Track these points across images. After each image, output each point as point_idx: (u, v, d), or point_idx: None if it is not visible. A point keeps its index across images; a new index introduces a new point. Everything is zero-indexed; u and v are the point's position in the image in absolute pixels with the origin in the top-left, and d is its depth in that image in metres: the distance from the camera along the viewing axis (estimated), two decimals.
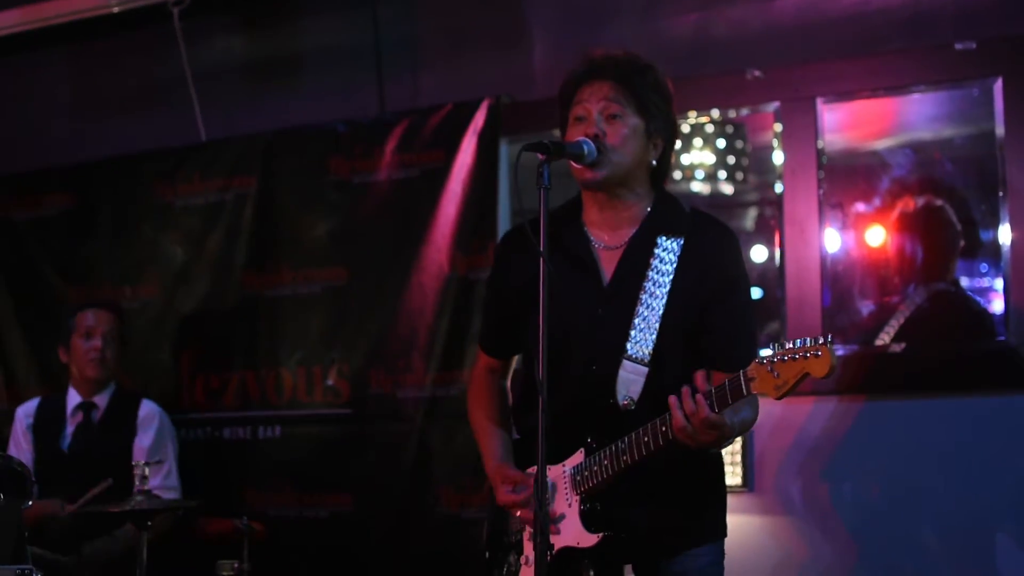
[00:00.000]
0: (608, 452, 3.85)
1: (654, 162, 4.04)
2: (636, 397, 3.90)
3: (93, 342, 6.35)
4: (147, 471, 5.43)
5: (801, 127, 5.87)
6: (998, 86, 5.58)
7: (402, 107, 6.83)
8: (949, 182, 6.35)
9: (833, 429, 5.67)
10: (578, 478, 3.93)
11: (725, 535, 4.11)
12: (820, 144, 5.86)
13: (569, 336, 3.96)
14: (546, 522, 3.59)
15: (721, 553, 4.07)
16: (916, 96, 6.06)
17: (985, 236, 6.21)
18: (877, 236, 6.33)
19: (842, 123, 6.22)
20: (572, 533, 3.91)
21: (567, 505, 3.95)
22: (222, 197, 7.09)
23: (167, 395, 6.81)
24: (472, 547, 5.78)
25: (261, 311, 6.91)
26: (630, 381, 3.90)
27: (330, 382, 6.67)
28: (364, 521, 6.50)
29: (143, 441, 6.30)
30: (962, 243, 6.22)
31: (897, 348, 5.84)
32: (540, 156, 3.69)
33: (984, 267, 6.34)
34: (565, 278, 3.95)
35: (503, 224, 6.45)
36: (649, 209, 4.06)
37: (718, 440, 3.69)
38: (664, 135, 3.97)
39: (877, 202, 6.17)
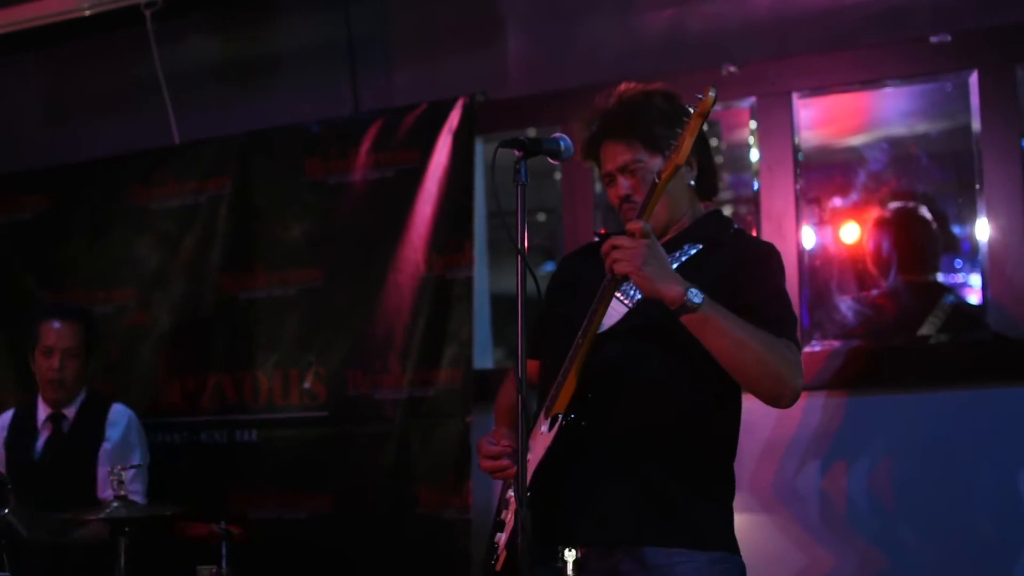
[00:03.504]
0: (569, 353, 3.82)
1: (692, 182, 4.04)
2: (613, 324, 3.88)
3: (51, 362, 6.22)
4: (124, 476, 5.37)
5: (777, 122, 5.86)
6: (974, 79, 5.57)
7: (377, 106, 6.80)
8: (924, 179, 6.30)
9: (815, 426, 5.65)
10: (548, 404, 3.88)
11: (733, 550, 3.95)
12: (796, 139, 5.85)
13: (564, 318, 3.97)
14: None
15: (721, 564, 3.88)
16: (892, 90, 6.03)
17: (961, 232, 6.18)
18: (853, 233, 6.28)
19: (818, 119, 6.18)
20: (539, 449, 3.83)
21: (539, 434, 3.88)
22: (197, 199, 7.05)
23: (144, 399, 6.78)
24: (452, 547, 6.04)
25: (237, 313, 6.88)
26: (608, 316, 3.85)
27: (307, 384, 6.64)
28: (344, 523, 6.47)
29: (107, 444, 6.20)
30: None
31: (879, 344, 5.81)
32: (517, 153, 3.67)
33: (959, 263, 6.29)
34: (587, 281, 3.94)
35: (479, 223, 6.44)
36: (689, 224, 4.07)
37: (659, 269, 3.64)
38: (692, 153, 3.83)
39: (855, 196, 6.13)
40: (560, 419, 3.77)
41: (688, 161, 3.84)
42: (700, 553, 3.83)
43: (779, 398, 3.79)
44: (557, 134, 3.79)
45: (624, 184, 4.00)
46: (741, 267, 3.92)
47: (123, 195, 7.25)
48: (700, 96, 3.59)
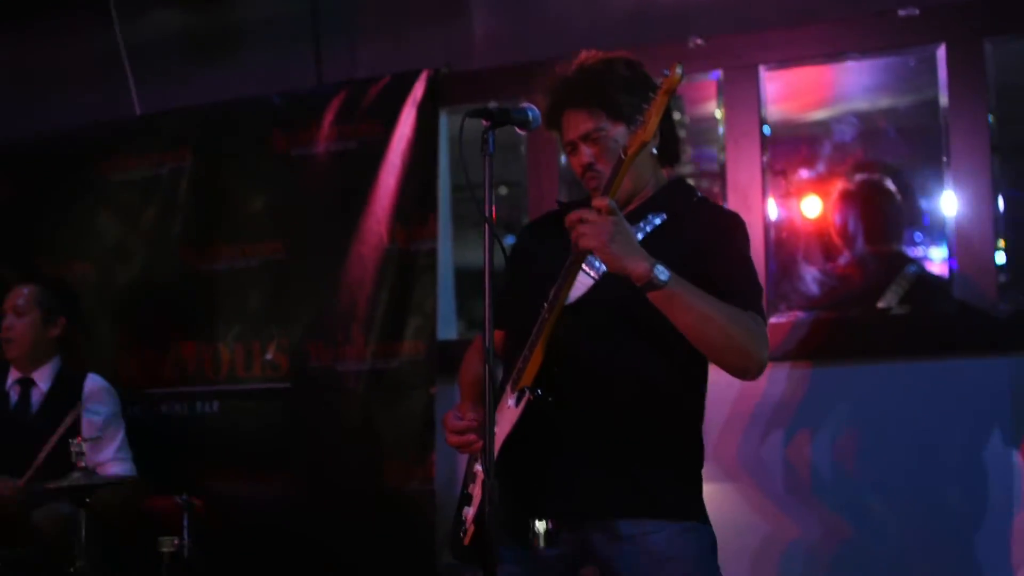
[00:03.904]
0: (535, 327, 3.78)
1: (655, 150, 3.99)
2: (579, 296, 3.84)
3: (6, 321, 6.25)
4: (85, 447, 5.33)
5: (744, 95, 5.85)
6: (941, 52, 5.58)
7: (340, 79, 6.76)
8: (891, 152, 6.33)
9: (780, 396, 5.66)
10: (514, 377, 3.82)
11: (702, 519, 3.89)
12: (763, 112, 5.84)
13: (530, 290, 3.91)
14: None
15: (692, 534, 3.83)
16: (859, 64, 6.06)
17: (927, 205, 6.21)
18: (816, 206, 6.35)
19: (785, 93, 6.20)
20: (505, 424, 3.77)
21: (506, 408, 3.82)
22: (158, 172, 7.03)
23: (104, 371, 6.60)
24: (417, 519, 6.02)
25: (198, 286, 6.86)
26: (574, 288, 3.81)
27: (269, 356, 6.63)
28: (307, 495, 6.46)
29: (94, 417, 6.15)
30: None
31: (844, 315, 5.84)
32: (484, 122, 3.62)
33: (918, 236, 6.38)
34: (553, 248, 3.88)
35: (443, 195, 6.43)
36: (652, 193, 4.02)
37: (625, 246, 3.58)
38: (642, 112, 3.74)
39: (821, 168, 6.15)
40: (527, 393, 3.73)
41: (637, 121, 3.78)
42: (670, 523, 3.79)
43: (745, 371, 3.77)
44: (525, 104, 3.76)
45: (586, 152, 3.93)
46: (705, 238, 3.87)
47: (85, 168, 7.21)
48: (666, 72, 3.53)
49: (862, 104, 6.33)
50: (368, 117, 6.53)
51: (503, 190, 7.27)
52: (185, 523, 5.61)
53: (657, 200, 3.99)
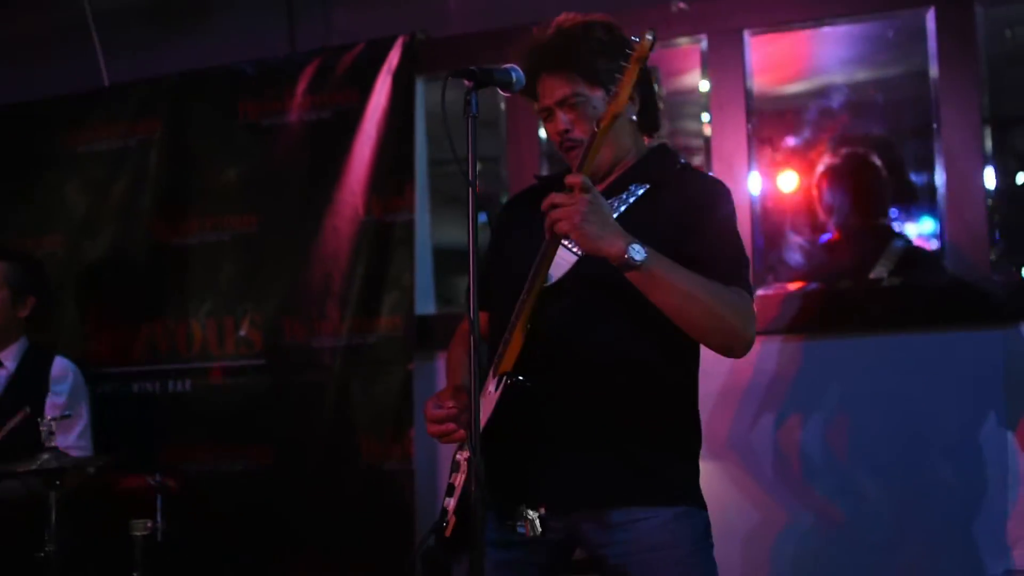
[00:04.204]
0: (515, 309, 3.68)
1: (634, 117, 3.89)
2: (561, 275, 3.73)
3: None
4: (54, 427, 5.17)
5: (728, 61, 5.73)
6: (930, 15, 5.46)
7: (313, 46, 6.64)
8: (878, 123, 6.23)
9: (772, 371, 5.58)
10: (496, 362, 3.73)
11: (697, 504, 3.79)
12: (748, 79, 5.73)
13: (510, 268, 3.83)
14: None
15: (685, 519, 3.73)
16: (846, 32, 5.98)
17: (916, 179, 6.15)
18: (798, 181, 6.32)
19: (770, 64, 6.10)
20: (486, 411, 3.68)
21: (487, 394, 3.73)
22: (126, 143, 6.91)
23: (73, 349, 6.54)
24: (395, 499, 5.95)
25: (169, 261, 6.75)
26: (556, 266, 3.71)
27: (242, 332, 6.53)
28: (283, 474, 6.38)
29: (56, 399, 6.02)
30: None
31: (836, 286, 5.75)
32: (467, 83, 3.52)
33: (894, 212, 6.35)
34: (529, 228, 3.79)
35: (420, 165, 6.32)
36: (633, 162, 3.92)
37: (598, 226, 3.48)
38: (633, 88, 3.66)
39: (807, 135, 6.05)
40: (504, 379, 3.64)
41: (631, 96, 3.66)
42: (663, 508, 3.70)
43: (730, 349, 3.68)
44: (509, 64, 3.65)
45: (563, 119, 3.84)
46: (688, 208, 3.77)
47: (51, 139, 7.10)
48: (636, 39, 3.43)
49: (848, 75, 6.21)
50: (342, 85, 6.42)
51: (477, 166, 7.09)
52: (158, 505, 5.53)
53: (639, 169, 3.89)
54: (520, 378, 3.63)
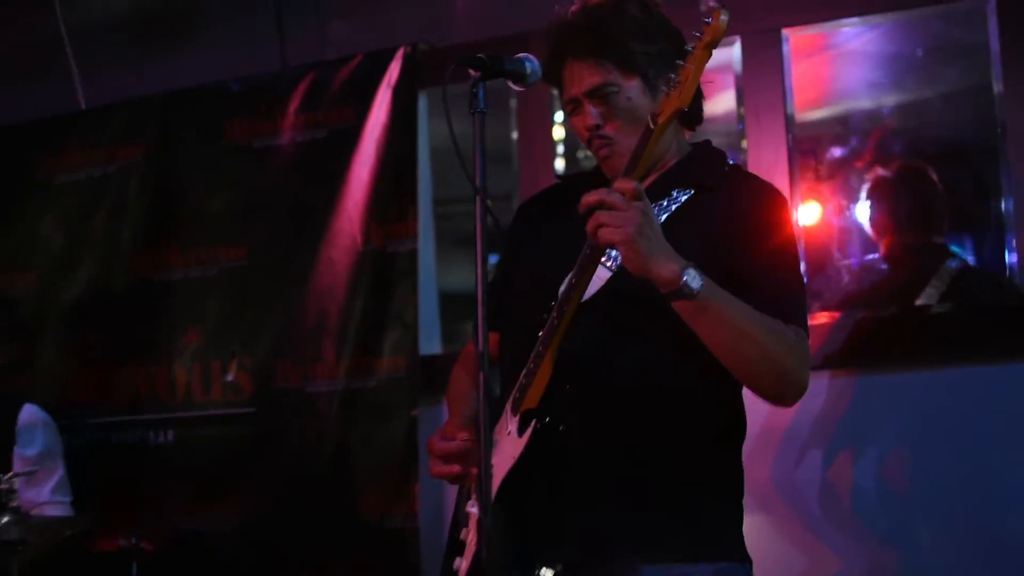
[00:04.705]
0: (541, 333, 3.28)
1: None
2: (593, 293, 3.30)
3: None
4: (15, 484, 4.81)
5: (765, 62, 5.32)
6: (991, 6, 5.02)
7: (307, 60, 6.34)
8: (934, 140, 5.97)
9: (815, 410, 5.16)
10: (516, 396, 3.32)
11: (740, 558, 3.39)
12: (787, 80, 5.31)
13: (530, 283, 3.49)
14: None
15: None
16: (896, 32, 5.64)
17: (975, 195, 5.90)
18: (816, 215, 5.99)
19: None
20: (506, 456, 3.29)
21: (506, 435, 3.35)
22: (105, 170, 6.60)
23: (47, 396, 6.20)
24: (398, 559, 5.67)
25: (151, 298, 6.41)
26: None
27: (230, 377, 6.17)
28: (275, 533, 5.98)
29: (24, 451, 5.66)
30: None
31: (890, 314, 5.30)
32: (473, 73, 3.16)
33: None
34: (558, 232, 3.45)
35: (424, 187, 5.98)
36: (675, 162, 3.50)
37: (653, 243, 3.03)
38: (675, 71, 3.19)
39: (855, 145, 5.65)
40: (534, 423, 3.25)
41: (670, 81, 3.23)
42: (704, 565, 3.28)
43: (781, 397, 3.32)
44: (522, 54, 3.27)
45: (593, 113, 3.40)
46: (740, 221, 3.33)
47: (24, 168, 6.80)
48: (708, 20, 3.01)
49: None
50: (338, 102, 6.10)
51: (489, 202, 6.96)
52: (134, 571, 5.33)
53: (682, 170, 3.48)
54: (549, 419, 3.25)
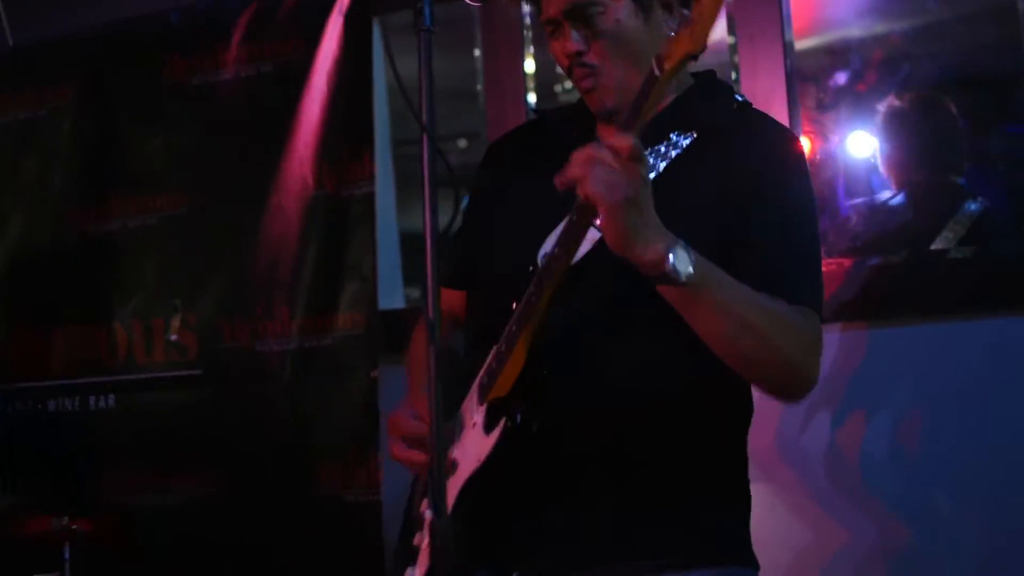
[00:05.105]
0: (515, 314, 2.90)
1: (673, 34, 2.85)
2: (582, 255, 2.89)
3: None
4: None
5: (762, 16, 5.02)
6: None
7: None
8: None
9: (828, 367, 4.76)
10: (484, 381, 2.98)
11: (748, 562, 3.05)
12: (785, 5, 5.00)
13: (502, 240, 3.18)
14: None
15: None
16: None
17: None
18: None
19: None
20: (471, 456, 2.95)
21: (471, 427, 3.00)
22: (35, 114, 6.37)
23: None
24: (358, 535, 5.40)
25: (86, 252, 6.15)
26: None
27: (173, 336, 5.90)
28: (226, 507, 5.71)
29: None
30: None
31: (898, 258, 4.98)
32: None
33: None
34: (530, 181, 3.10)
35: (381, 125, 5.72)
36: (674, 98, 3.07)
37: (642, 217, 2.60)
38: (687, 5, 2.80)
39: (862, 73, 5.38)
40: (504, 422, 2.89)
41: (662, 10, 2.92)
42: (703, 570, 2.96)
43: (785, 390, 2.96)
44: None
45: (574, 36, 3.01)
46: (751, 174, 2.93)
47: None
48: None
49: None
50: (285, 32, 5.81)
51: (462, 143, 6.95)
52: (66, 555, 5.08)
53: (682, 110, 3.08)
54: (521, 419, 2.88)
